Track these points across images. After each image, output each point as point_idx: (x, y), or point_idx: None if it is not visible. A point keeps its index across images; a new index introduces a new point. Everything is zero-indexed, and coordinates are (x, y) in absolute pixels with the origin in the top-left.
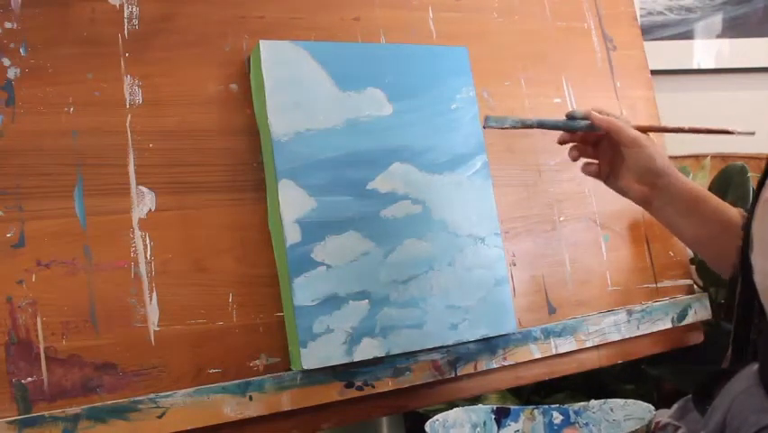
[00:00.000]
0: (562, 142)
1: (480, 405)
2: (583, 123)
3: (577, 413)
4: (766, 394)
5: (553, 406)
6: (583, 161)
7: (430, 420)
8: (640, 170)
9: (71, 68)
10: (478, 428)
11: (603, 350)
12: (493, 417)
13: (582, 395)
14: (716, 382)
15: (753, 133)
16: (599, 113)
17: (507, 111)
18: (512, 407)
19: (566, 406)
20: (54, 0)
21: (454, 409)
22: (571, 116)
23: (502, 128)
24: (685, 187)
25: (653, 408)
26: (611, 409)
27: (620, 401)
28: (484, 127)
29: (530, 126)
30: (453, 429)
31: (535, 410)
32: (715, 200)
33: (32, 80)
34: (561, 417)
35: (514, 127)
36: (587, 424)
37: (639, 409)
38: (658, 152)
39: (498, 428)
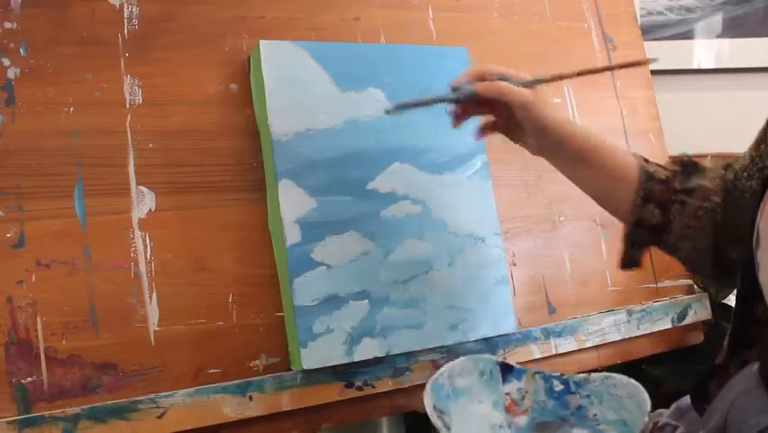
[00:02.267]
0: (455, 114)
1: (487, 354)
2: (470, 89)
3: (578, 384)
4: (767, 395)
5: (554, 374)
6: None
7: (435, 376)
8: (531, 129)
9: (71, 68)
10: (485, 376)
11: (603, 350)
12: (498, 369)
13: None
14: (711, 378)
15: (656, 60)
16: (482, 76)
17: None
18: (516, 366)
19: (567, 376)
20: (54, 0)
21: (460, 358)
22: (456, 87)
23: (405, 110)
24: (579, 142)
25: (649, 404)
26: (614, 385)
27: (623, 379)
28: (387, 113)
29: (428, 104)
30: (460, 378)
31: (537, 375)
32: (614, 154)
33: (32, 80)
34: (561, 385)
35: (415, 106)
36: (588, 395)
37: (639, 393)
38: (547, 111)
39: (503, 381)
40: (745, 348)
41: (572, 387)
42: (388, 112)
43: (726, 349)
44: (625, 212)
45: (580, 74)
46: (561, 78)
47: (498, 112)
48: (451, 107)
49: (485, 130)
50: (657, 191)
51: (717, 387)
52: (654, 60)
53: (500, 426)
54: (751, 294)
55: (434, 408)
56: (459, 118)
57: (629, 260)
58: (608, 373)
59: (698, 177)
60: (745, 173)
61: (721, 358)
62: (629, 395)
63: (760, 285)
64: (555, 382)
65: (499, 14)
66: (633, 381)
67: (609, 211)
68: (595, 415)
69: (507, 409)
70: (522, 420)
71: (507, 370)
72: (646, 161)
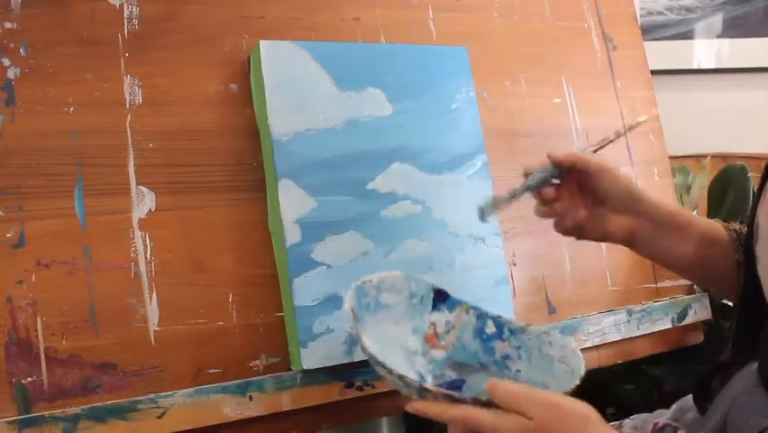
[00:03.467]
0: (541, 200)
1: (423, 277)
2: (553, 169)
3: (512, 332)
4: (766, 395)
5: (490, 314)
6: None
7: (363, 279)
8: (618, 196)
9: (71, 68)
10: (414, 299)
11: (603, 350)
12: (431, 295)
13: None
14: (715, 376)
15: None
16: (554, 158)
17: (507, 111)
18: (452, 295)
19: (503, 320)
20: (54, 0)
21: (396, 272)
22: (528, 173)
23: (499, 210)
24: (665, 207)
25: (583, 372)
26: (549, 343)
27: (561, 340)
28: (482, 220)
29: (519, 195)
30: (388, 294)
31: (471, 309)
32: (695, 216)
33: (31, 80)
34: (494, 328)
35: (509, 202)
36: (518, 347)
37: (574, 360)
38: (627, 175)
39: (432, 309)
40: (746, 344)
41: (505, 333)
42: (483, 217)
43: (731, 348)
44: (725, 276)
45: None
46: (610, 140)
47: (570, 200)
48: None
49: (561, 229)
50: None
51: (720, 385)
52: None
53: (414, 352)
54: (751, 288)
55: (353, 310)
56: (548, 203)
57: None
58: (548, 330)
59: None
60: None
61: (726, 355)
62: (562, 359)
63: (759, 279)
64: (489, 324)
65: (499, 14)
66: (572, 343)
67: (703, 282)
68: (518, 371)
69: (427, 339)
70: (439, 354)
71: (441, 298)
72: (725, 222)
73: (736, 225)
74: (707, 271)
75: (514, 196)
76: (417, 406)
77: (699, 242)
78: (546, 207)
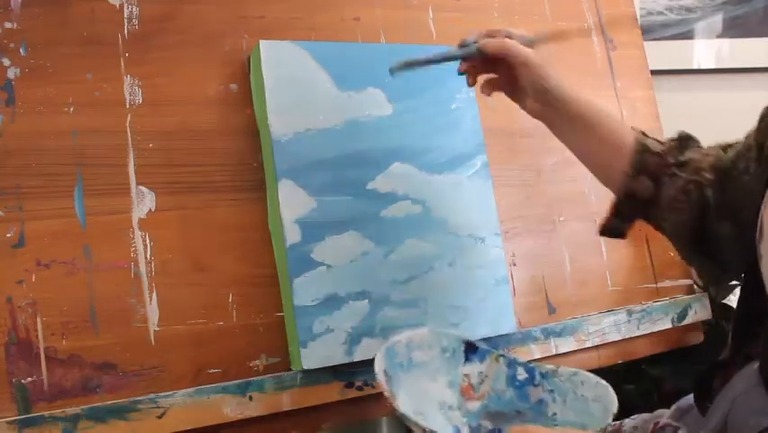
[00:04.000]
0: (462, 71)
1: (451, 331)
2: (475, 47)
3: (543, 376)
4: (767, 394)
5: (520, 360)
6: (480, 84)
7: (392, 340)
8: (532, 88)
9: (71, 68)
10: (447, 353)
11: (603, 350)
12: (462, 348)
13: None
14: (715, 375)
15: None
16: (490, 33)
17: (507, 111)
18: (481, 346)
19: (534, 365)
20: (54, 0)
21: (424, 329)
22: (463, 44)
23: (411, 68)
24: (579, 106)
25: (615, 407)
26: (582, 383)
27: (593, 380)
28: (391, 74)
29: (435, 62)
30: (420, 351)
31: (501, 358)
32: (612, 123)
33: (32, 80)
34: (525, 374)
35: (421, 64)
36: (551, 391)
37: (607, 397)
38: (549, 72)
39: (464, 361)
40: (747, 342)
41: (537, 378)
42: (392, 71)
43: (730, 345)
44: (616, 182)
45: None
46: (562, 36)
47: (503, 71)
48: (460, 66)
49: (488, 87)
50: (651, 163)
51: (720, 384)
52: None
53: (450, 406)
54: (753, 286)
55: (385, 372)
56: (472, 76)
57: (613, 228)
58: (578, 370)
59: (692, 151)
60: (746, 156)
61: (725, 354)
62: (596, 398)
63: (762, 277)
64: (520, 370)
65: (499, 14)
66: (602, 382)
67: (601, 180)
68: (554, 414)
69: (463, 392)
70: (475, 406)
71: (471, 349)
72: (644, 134)
73: (651, 141)
74: (603, 172)
75: (429, 61)
76: None
77: (603, 146)
78: (469, 75)
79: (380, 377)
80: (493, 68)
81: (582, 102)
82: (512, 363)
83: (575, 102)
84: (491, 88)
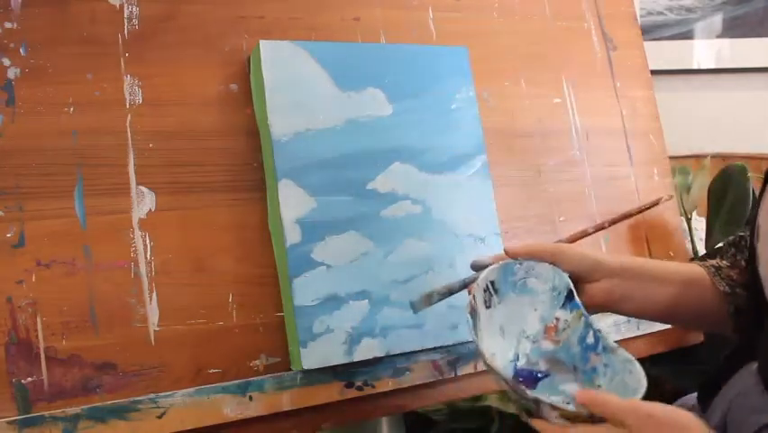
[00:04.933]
0: None
1: (565, 274)
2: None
3: (605, 349)
4: (765, 393)
5: (594, 326)
6: None
7: (508, 262)
8: (582, 270)
9: (71, 68)
10: (555, 292)
11: None
12: (566, 293)
13: None
14: (719, 376)
15: (671, 197)
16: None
17: (506, 111)
18: (576, 299)
19: (600, 335)
20: (54, 0)
21: (545, 263)
22: (478, 265)
23: (432, 303)
24: (634, 261)
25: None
26: (630, 372)
27: (638, 375)
28: (414, 312)
29: (453, 292)
30: (537, 280)
31: (583, 317)
32: (668, 262)
33: (31, 80)
34: (593, 340)
35: (441, 297)
36: (606, 365)
37: (637, 396)
38: (584, 250)
39: (561, 305)
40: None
41: (599, 348)
42: (415, 308)
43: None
44: (718, 317)
45: (613, 222)
46: (597, 229)
47: None
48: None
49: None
50: (733, 275)
51: (724, 384)
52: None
53: (527, 337)
54: (752, 288)
55: (492, 283)
56: None
57: (747, 325)
58: (632, 360)
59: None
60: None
61: (728, 353)
62: (634, 391)
63: (760, 278)
64: (590, 334)
65: (499, 14)
66: (643, 383)
67: (695, 324)
68: (599, 386)
69: (546, 331)
70: (548, 346)
71: (570, 297)
72: (702, 262)
73: (713, 261)
74: (693, 312)
75: (452, 292)
76: (538, 425)
77: (679, 284)
78: None
79: (482, 285)
80: None
81: (629, 258)
82: (587, 325)
83: (628, 260)
84: None
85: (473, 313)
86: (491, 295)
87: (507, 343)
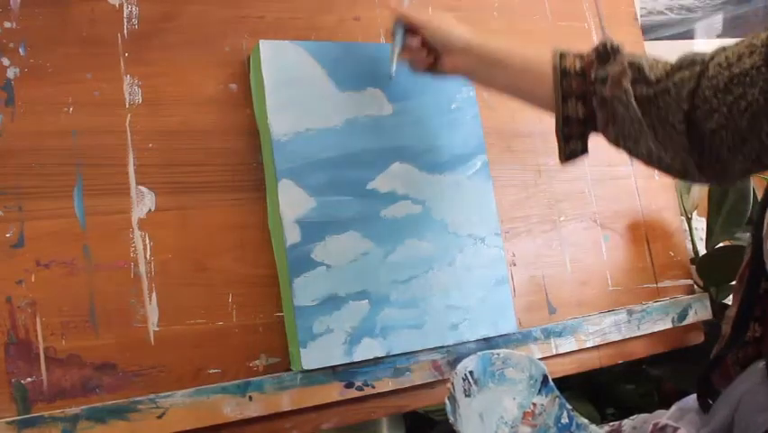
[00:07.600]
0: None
1: (542, 363)
2: (400, 32)
3: (578, 427)
4: None
5: (567, 406)
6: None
7: (491, 350)
8: (439, 44)
9: (71, 68)
10: (532, 381)
11: (603, 350)
12: (541, 379)
13: (583, 395)
14: (713, 370)
15: None
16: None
17: (507, 111)
18: (550, 383)
19: (573, 414)
20: (54, 0)
21: (521, 353)
22: (393, 33)
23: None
24: (480, 43)
25: None
26: None
27: None
28: (391, 79)
29: (397, 54)
30: (513, 370)
31: (557, 399)
32: (521, 52)
33: (31, 80)
34: (567, 420)
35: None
36: None
37: None
38: (442, 24)
39: (538, 392)
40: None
41: (573, 427)
42: (391, 78)
43: (728, 338)
44: (551, 109)
45: None
46: None
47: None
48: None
49: (417, 69)
50: (574, 86)
51: (719, 379)
52: None
53: (506, 422)
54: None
55: (471, 373)
56: (417, 64)
57: (570, 152)
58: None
59: (611, 64)
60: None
61: (719, 348)
62: None
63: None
64: (564, 414)
65: (499, 14)
66: None
67: (541, 109)
68: None
69: (524, 416)
70: (525, 430)
71: (545, 383)
72: (562, 55)
73: (574, 54)
74: (530, 101)
75: (396, 54)
76: None
77: (518, 69)
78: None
79: (462, 374)
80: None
81: (487, 40)
82: (562, 406)
83: (482, 42)
84: (420, 67)
85: (452, 399)
86: (471, 384)
87: (486, 428)
